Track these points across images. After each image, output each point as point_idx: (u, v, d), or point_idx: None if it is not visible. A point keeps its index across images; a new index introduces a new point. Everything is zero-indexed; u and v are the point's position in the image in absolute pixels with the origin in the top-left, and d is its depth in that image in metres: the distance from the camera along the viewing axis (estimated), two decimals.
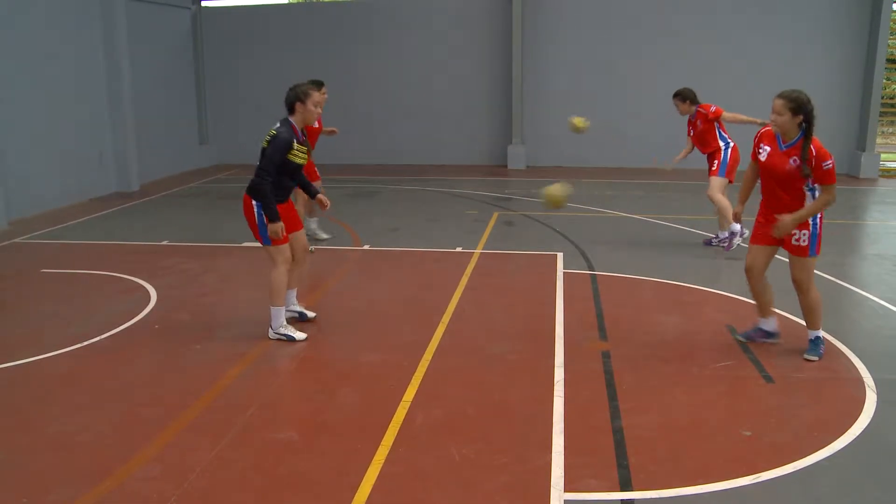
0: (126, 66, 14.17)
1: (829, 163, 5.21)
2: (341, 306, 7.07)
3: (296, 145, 5.97)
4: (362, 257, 9.03)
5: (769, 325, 5.93)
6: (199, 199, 13.74)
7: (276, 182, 5.95)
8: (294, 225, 6.33)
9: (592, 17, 16.92)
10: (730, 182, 8.85)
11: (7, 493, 3.98)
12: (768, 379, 5.30)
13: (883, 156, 16.77)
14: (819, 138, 5.34)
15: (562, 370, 5.48)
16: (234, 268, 8.64)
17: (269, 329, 6.21)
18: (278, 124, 5.99)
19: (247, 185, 6.02)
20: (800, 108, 5.27)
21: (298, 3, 20.94)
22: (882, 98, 16.15)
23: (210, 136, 18.68)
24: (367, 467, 4.15)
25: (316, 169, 9.02)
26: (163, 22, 16.86)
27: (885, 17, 15.29)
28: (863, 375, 5.38)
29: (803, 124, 5.30)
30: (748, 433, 4.59)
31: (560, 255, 8.84)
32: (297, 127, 6.04)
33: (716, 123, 8.80)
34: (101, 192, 13.80)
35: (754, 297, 5.93)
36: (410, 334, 6.31)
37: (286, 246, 6.11)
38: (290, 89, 6.03)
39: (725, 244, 8.65)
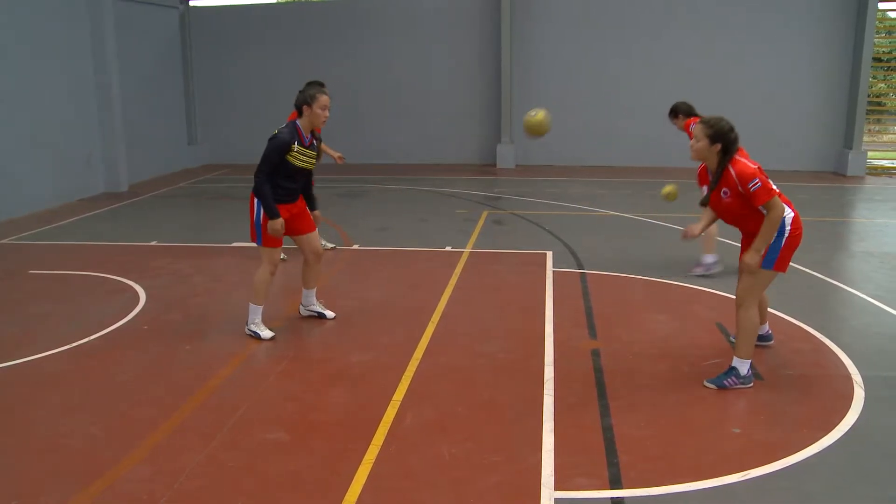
0: (114, 66, 14.12)
1: (754, 183, 4.83)
2: (331, 306, 7.05)
3: (296, 147, 5.91)
4: (352, 257, 9.03)
5: (760, 329, 5.78)
6: (189, 199, 13.70)
7: (274, 182, 5.93)
8: (306, 227, 6.34)
9: (582, 17, 16.95)
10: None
11: None
12: (757, 376, 5.32)
13: (870, 154, 16.87)
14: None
15: (551, 369, 5.50)
16: (224, 268, 8.61)
17: (246, 326, 6.29)
18: (284, 125, 6.00)
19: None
20: (718, 135, 4.97)
21: (287, 2, 20.88)
22: (869, 96, 16.26)
23: (199, 136, 18.62)
24: (358, 467, 4.15)
25: None
26: (151, 21, 16.79)
27: (870, 16, 15.38)
28: (851, 372, 5.41)
29: (721, 153, 5.00)
30: (737, 430, 4.62)
31: (550, 254, 8.86)
32: (304, 130, 5.99)
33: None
34: (89, 193, 13.75)
35: None
36: (400, 334, 6.31)
37: (276, 250, 6.14)
38: (300, 92, 5.99)
39: (697, 268, 8.07)
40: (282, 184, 5.99)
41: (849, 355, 5.72)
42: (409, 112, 17.88)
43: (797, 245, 5.11)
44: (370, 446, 4.38)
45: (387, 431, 4.57)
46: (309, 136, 6.05)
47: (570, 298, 7.21)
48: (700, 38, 16.49)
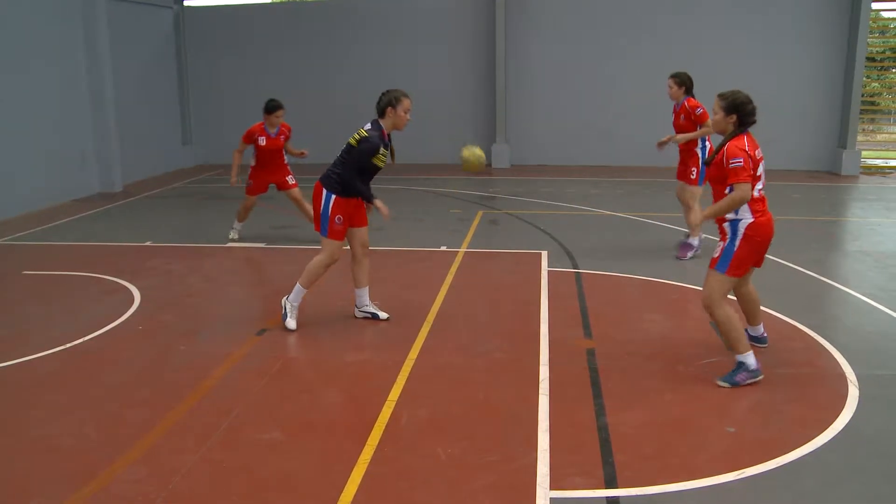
0: (108, 66, 14.08)
1: (736, 161, 4.93)
2: (326, 306, 7.05)
3: (382, 150, 6.10)
4: (347, 257, 8.98)
5: (755, 331, 5.80)
6: (183, 199, 13.67)
7: (351, 179, 6.10)
8: (360, 220, 6.46)
9: (576, 17, 16.96)
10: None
11: None
12: None
13: (864, 153, 16.93)
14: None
15: (547, 368, 5.50)
16: (218, 268, 8.60)
17: (286, 297, 6.45)
18: (369, 125, 6.15)
19: (323, 175, 6.26)
20: (732, 106, 5.11)
21: (282, 2, 20.86)
22: (862, 96, 16.30)
23: (193, 137, 18.57)
24: (353, 467, 4.15)
25: (290, 175, 9.45)
26: (145, 21, 16.75)
27: (864, 15, 15.42)
28: (845, 371, 5.42)
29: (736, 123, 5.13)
30: (732, 429, 4.62)
31: (545, 254, 8.86)
32: (387, 131, 6.17)
33: (698, 126, 8.38)
34: (83, 193, 13.70)
35: (739, 305, 5.79)
36: (395, 334, 6.30)
37: (338, 243, 6.28)
38: (384, 94, 6.17)
39: (682, 252, 8.66)
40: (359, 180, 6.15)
41: (843, 354, 5.73)
42: None
43: (755, 252, 5.13)
44: (365, 446, 4.37)
45: (382, 431, 4.56)
46: (388, 137, 6.23)
47: (565, 298, 7.22)
48: (694, 38, 16.50)
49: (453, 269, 8.30)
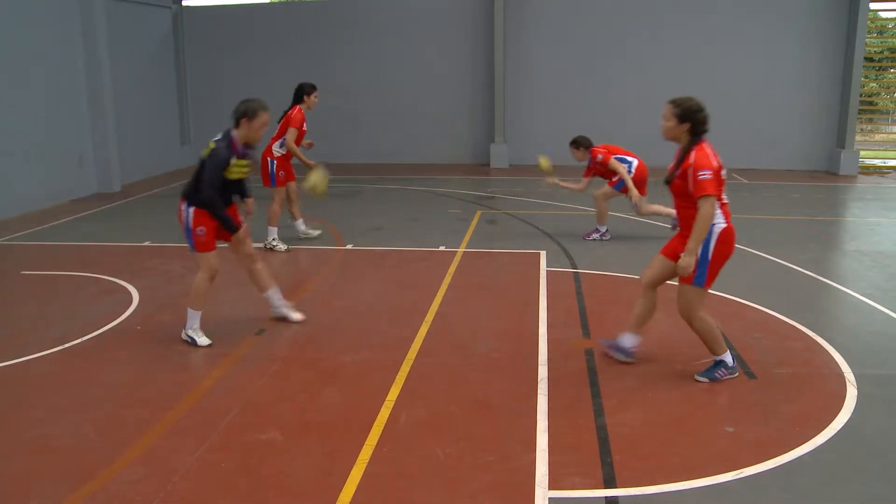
0: (106, 66, 14.07)
1: (704, 173, 4.80)
2: (324, 306, 7.05)
3: (234, 161, 5.85)
4: (345, 257, 9.01)
5: (627, 340, 5.58)
6: None
7: (212, 201, 5.87)
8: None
9: (575, 17, 16.97)
10: (642, 195, 9.37)
11: None
12: (750, 375, 5.34)
13: (862, 153, 16.95)
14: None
15: (545, 368, 5.50)
16: None
17: (183, 330, 6.16)
18: (219, 136, 5.90)
19: (183, 190, 6.02)
20: (686, 114, 4.98)
21: (280, 2, 20.86)
22: (861, 96, 16.32)
23: (192, 137, 18.56)
24: (352, 467, 4.15)
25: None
26: (143, 21, 16.75)
27: (862, 16, 15.44)
28: (843, 371, 5.43)
29: (691, 133, 5.01)
30: (731, 429, 4.63)
31: (543, 254, 8.86)
32: (239, 142, 5.92)
33: (610, 161, 9.34)
34: (82, 193, 13.70)
35: (637, 306, 5.57)
36: (394, 334, 6.30)
37: (211, 254, 6.02)
38: (242, 102, 5.91)
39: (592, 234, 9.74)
40: (220, 194, 5.91)
41: (841, 353, 5.74)
42: (403, 112, 17.87)
43: (725, 258, 5.07)
44: (364, 446, 4.38)
45: (381, 431, 4.56)
46: (243, 147, 5.97)
47: (563, 298, 7.22)
48: (692, 38, 16.52)
49: (452, 268, 8.30)
